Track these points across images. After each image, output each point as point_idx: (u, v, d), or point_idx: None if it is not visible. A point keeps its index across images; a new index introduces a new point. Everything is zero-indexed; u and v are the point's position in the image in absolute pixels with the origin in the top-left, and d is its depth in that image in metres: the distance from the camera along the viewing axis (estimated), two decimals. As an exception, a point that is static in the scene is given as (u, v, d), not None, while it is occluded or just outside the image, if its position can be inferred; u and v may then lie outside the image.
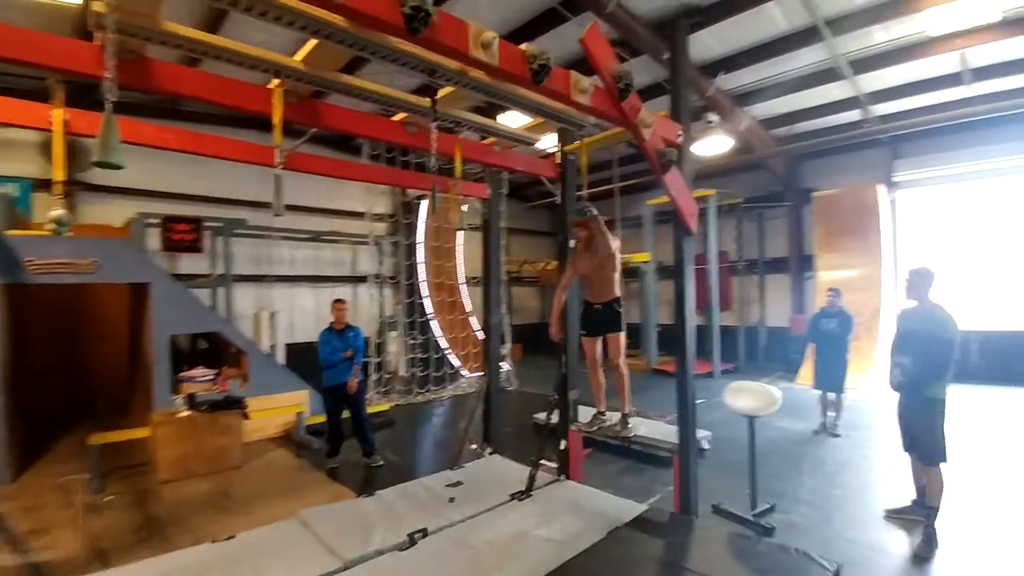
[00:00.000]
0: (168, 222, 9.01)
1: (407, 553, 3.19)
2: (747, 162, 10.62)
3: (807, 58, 7.44)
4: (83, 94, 3.75)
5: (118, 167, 1.73)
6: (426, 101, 2.70)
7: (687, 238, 3.69)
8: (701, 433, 5.82)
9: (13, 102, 3.06)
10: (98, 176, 9.11)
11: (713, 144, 8.61)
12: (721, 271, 11.61)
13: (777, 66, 7.74)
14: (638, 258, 10.95)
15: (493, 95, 2.93)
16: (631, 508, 3.71)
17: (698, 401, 7.85)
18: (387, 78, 7.18)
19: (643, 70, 7.66)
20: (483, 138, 4.25)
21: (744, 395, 4.19)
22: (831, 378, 6.34)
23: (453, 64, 2.52)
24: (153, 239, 8.94)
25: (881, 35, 6.94)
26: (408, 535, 3.33)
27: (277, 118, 2.60)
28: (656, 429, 5.80)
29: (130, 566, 3.08)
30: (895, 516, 4.13)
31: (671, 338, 3.79)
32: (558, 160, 4.36)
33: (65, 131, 2.76)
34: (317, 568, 2.94)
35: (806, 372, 9.16)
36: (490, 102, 3.75)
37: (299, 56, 2.54)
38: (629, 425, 3.91)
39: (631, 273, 12.70)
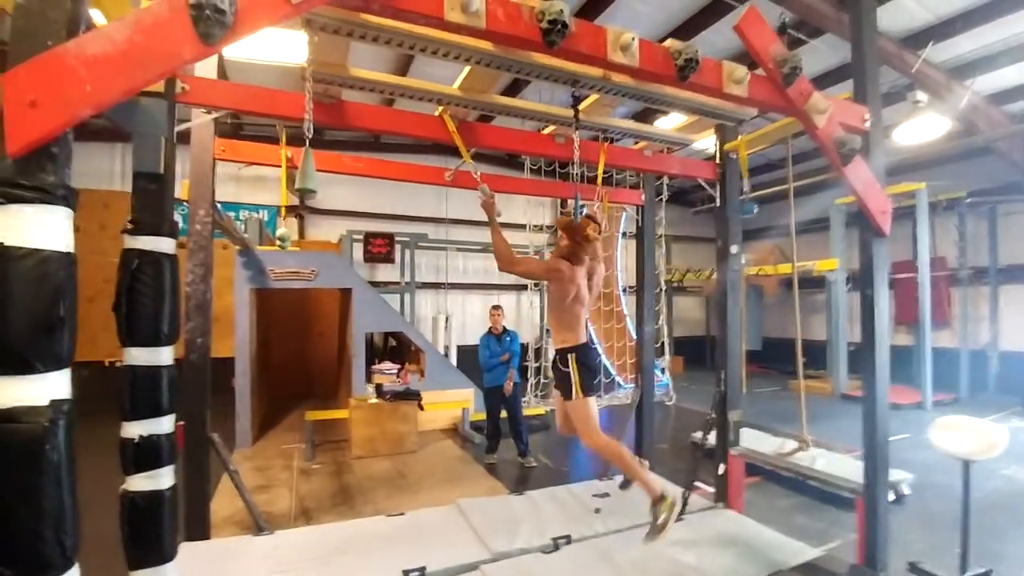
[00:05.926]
0: (369, 237, 10.65)
1: (550, 556, 3.25)
2: (971, 147, 8.52)
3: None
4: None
5: (313, 192, 2.16)
6: (569, 112, 2.77)
7: (877, 240, 3.10)
8: (900, 475, 4.82)
9: (255, 145, 4.00)
10: (322, 201, 11.25)
11: (923, 128, 7.07)
12: (936, 281, 9.42)
13: (1006, 27, 6.14)
14: (823, 266, 9.47)
15: (640, 97, 2.87)
16: (800, 551, 3.25)
17: (899, 436, 6.63)
18: (548, 94, 7.54)
19: (829, 51, 6.70)
20: (636, 143, 4.17)
21: (957, 433, 3.31)
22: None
23: (595, 71, 2.55)
24: (358, 252, 10.68)
25: None
26: (552, 539, 3.40)
27: (448, 139, 2.93)
28: (839, 464, 4.98)
29: (325, 526, 3.77)
30: None
31: (863, 359, 3.19)
32: (718, 160, 4.06)
33: (288, 166, 3.52)
34: (468, 555, 3.18)
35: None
36: (646, 107, 3.69)
37: (456, 84, 2.84)
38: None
39: (816, 283, 11.05)
